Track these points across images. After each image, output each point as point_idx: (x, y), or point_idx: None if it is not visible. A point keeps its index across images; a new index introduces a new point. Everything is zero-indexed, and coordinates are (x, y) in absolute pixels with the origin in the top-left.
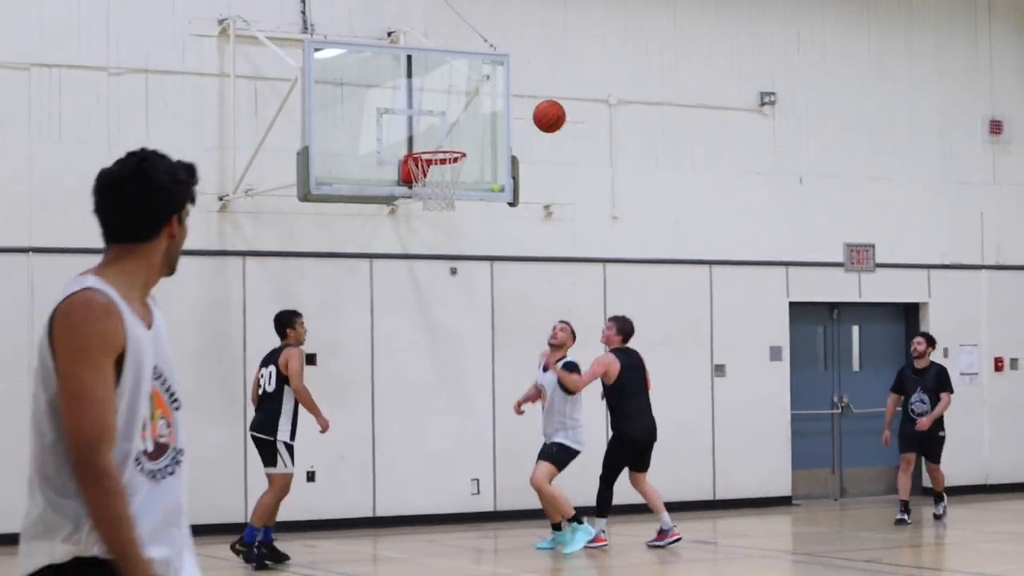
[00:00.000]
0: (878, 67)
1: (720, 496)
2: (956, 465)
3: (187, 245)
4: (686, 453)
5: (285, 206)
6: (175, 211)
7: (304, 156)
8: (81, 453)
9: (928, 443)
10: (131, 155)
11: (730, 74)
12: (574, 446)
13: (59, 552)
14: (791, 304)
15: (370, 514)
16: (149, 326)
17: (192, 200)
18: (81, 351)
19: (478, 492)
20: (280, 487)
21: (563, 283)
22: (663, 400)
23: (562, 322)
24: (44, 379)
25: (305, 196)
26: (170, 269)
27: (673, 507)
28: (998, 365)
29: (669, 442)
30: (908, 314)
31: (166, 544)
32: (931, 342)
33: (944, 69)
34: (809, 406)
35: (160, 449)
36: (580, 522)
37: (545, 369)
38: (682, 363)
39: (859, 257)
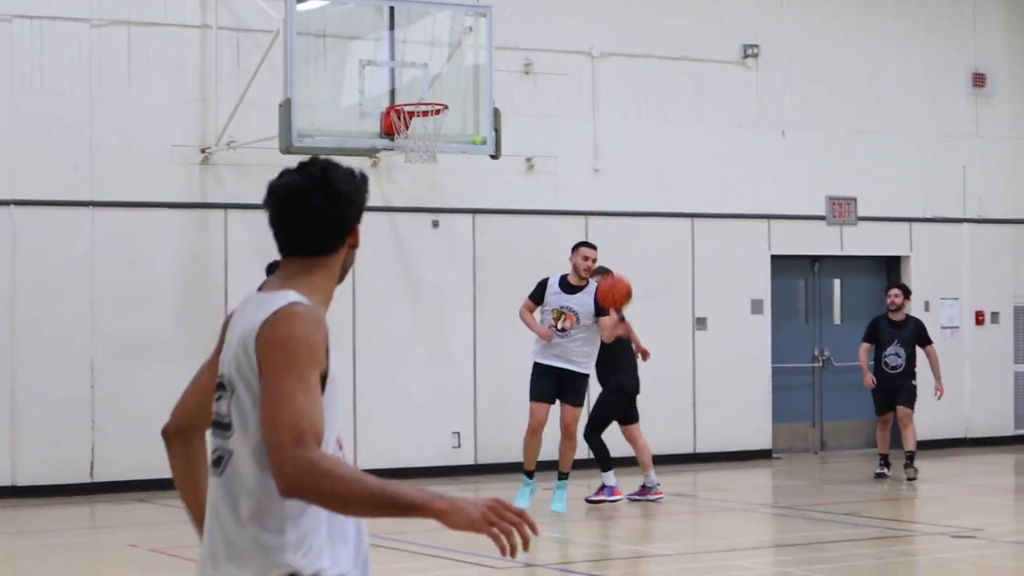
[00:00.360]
0: (862, 20)
1: (700, 449)
2: (936, 419)
3: (168, 197)
4: (667, 406)
5: (267, 158)
6: (357, 220)
7: (286, 108)
8: (286, 451)
9: (902, 393)
10: (309, 164)
11: (713, 26)
12: None
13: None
14: (773, 257)
15: None
16: None
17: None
18: (292, 363)
19: (459, 445)
20: None
21: (545, 236)
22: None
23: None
24: (249, 419)
25: (287, 148)
26: (342, 279)
27: (654, 461)
28: (979, 319)
29: (650, 395)
30: (889, 267)
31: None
32: (908, 294)
33: (928, 22)
34: (790, 359)
35: None
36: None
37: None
38: (663, 316)
39: (841, 210)
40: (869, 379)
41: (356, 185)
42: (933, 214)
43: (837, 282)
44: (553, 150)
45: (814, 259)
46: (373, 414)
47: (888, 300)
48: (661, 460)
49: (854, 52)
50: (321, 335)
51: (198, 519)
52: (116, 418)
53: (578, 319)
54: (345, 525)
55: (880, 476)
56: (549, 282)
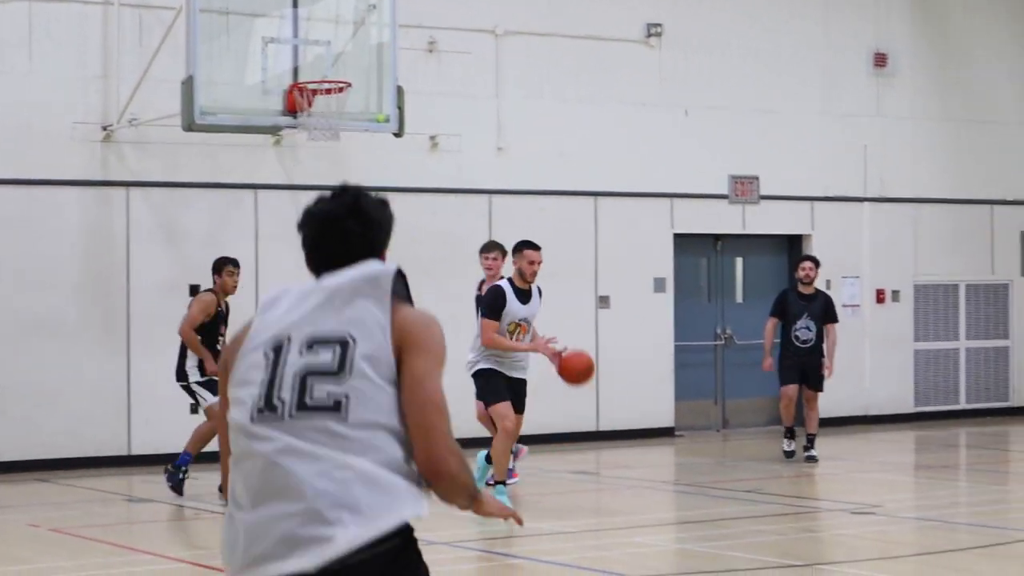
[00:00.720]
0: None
1: (604, 427)
2: (837, 396)
3: (70, 175)
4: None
5: (169, 136)
6: (386, 245)
7: (188, 86)
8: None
9: (812, 372)
10: (342, 193)
11: (616, 5)
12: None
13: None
14: (675, 236)
15: None
16: None
17: None
18: (440, 364)
19: None
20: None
21: (448, 214)
22: (547, 331)
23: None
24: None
25: (189, 126)
26: None
27: (557, 439)
28: (880, 297)
29: (552, 373)
30: (791, 246)
31: None
32: (819, 266)
33: (830, 2)
34: (692, 338)
35: None
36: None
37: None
38: (566, 295)
39: (743, 189)
40: (768, 363)
41: (386, 213)
42: (835, 193)
43: (739, 260)
44: (457, 128)
45: (716, 237)
46: None
47: (801, 273)
48: (564, 438)
49: (757, 32)
50: None
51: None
52: (17, 397)
53: (529, 327)
54: None
55: (789, 454)
56: (505, 294)
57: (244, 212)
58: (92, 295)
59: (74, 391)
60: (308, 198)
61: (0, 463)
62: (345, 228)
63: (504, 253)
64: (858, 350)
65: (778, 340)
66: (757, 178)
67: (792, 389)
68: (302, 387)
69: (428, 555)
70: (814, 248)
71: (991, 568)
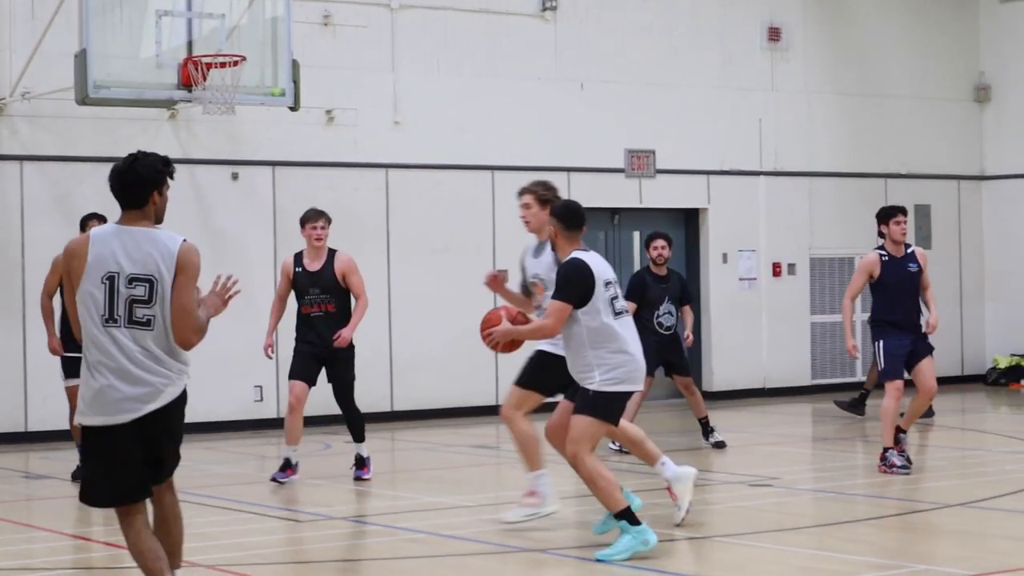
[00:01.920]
0: None
1: (503, 402)
2: (734, 369)
3: None
4: (469, 360)
5: (63, 110)
6: (156, 188)
7: (82, 59)
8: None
9: (677, 358)
10: (128, 157)
11: None
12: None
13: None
14: None
15: None
16: None
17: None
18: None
19: (261, 399)
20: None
21: (345, 188)
22: (446, 307)
23: None
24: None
25: (83, 100)
26: (160, 220)
27: (452, 414)
28: (776, 270)
29: (452, 349)
30: (688, 220)
31: None
32: (671, 244)
33: None
34: None
35: None
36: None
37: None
38: (464, 269)
39: (639, 163)
40: None
41: (153, 163)
42: (730, 167)
43: (636, 234)
44: (353, 102)
45: (614, 212)
46: None
47: (653, 252)
48: (465, 412)
49: (651, 5)
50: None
51: None
52: None
53: (545, 288)
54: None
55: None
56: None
57: None
58: None
59: None
60: (204, 173)
61: None
62: (124, 180)
63: (329, 221)
64: (755, 323)
65: None
66: (653, 152)
67: (648, 381)
68: (130, 309)
69: (332, 530)
70: (710, 222)
71: (888, 538)
